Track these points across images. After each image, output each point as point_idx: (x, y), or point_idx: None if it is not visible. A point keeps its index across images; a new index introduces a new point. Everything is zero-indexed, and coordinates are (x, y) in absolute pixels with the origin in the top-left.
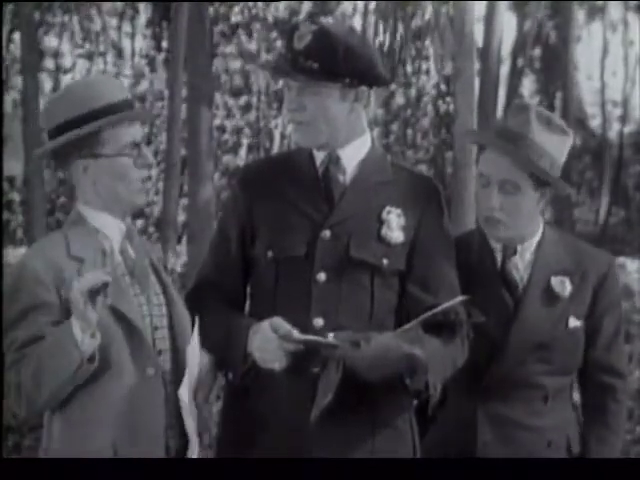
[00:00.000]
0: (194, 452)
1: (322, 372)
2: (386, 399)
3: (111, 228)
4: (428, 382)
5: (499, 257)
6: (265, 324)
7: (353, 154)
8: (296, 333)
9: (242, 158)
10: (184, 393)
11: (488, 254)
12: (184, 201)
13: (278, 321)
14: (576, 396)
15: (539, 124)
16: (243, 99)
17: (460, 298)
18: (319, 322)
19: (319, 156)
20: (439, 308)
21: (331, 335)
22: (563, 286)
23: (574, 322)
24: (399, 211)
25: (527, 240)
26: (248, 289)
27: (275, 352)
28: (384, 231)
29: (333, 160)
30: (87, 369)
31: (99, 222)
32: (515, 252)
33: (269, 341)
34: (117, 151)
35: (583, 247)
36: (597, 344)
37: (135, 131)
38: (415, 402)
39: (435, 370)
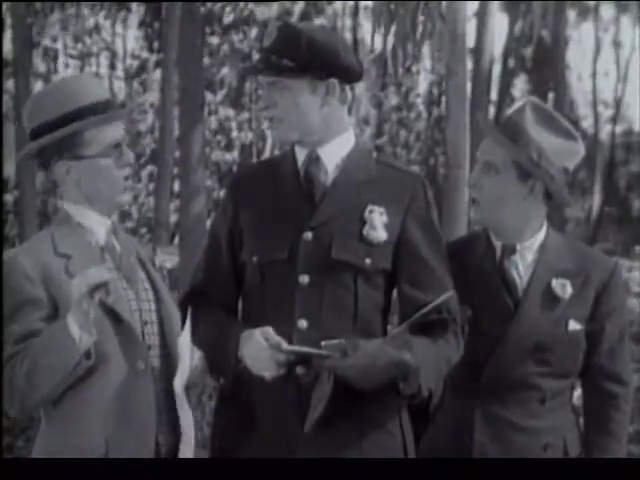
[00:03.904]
0: (190, 445)
1: (315, 383)
2: (374, 401)
3: (96, 224)
4: (421, 386)
5: (498, 256)
6: (257, 332)
7: (333, 152)
8: (285, 344)
9: (234, 157)
10: (178, 384)
11: (490, 254)
12: (176, 202)
13: (268, 331)
14: (577, 400)
15: (533, 115)
16: (235, 100)
17: (449, 294)
18: (303, 324)
19: (301, 157)
20: (428, 307)
21: (323, 344)
22: (564, 289)
23: (574, 325)
24: (382, 209)
25: (527, 240)
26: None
27: (266, 361)
28: (366, 230)
29: (313, 160)
30: (84, 365)
31: (84, 219)
32: (514, 251)
33: (261, 350)
34: (99, 152)
35: (587, 251)
36: (600, 350)
37: (117, 131)
38: (415, 405)
39: (428, 372)
